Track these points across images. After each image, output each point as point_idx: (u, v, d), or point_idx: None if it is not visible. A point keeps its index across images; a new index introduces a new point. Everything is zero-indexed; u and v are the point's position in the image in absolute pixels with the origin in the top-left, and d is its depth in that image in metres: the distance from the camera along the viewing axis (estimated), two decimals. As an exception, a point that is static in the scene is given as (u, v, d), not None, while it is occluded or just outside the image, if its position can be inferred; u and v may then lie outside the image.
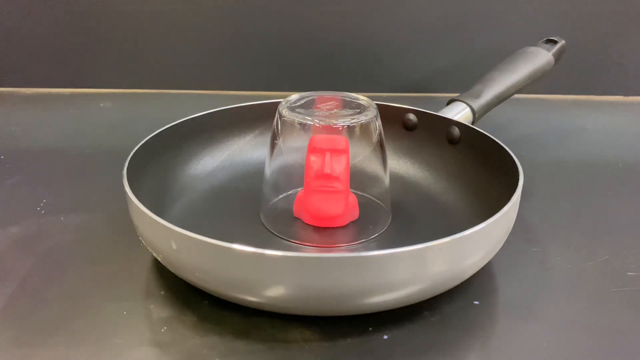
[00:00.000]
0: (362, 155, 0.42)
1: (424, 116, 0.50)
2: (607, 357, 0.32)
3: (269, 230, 0.42)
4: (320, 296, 0.31)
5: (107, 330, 0.34)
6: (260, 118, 0.51)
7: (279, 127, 0.41)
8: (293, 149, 0.42)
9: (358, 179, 0.43)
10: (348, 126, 0.40)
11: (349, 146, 0.41)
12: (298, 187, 0.43)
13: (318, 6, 0.67)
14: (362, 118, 0.40)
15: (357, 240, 0.41)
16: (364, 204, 0.44)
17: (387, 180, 0.43)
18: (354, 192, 0.43)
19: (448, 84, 0.70)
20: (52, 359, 0.32)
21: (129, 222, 0.37)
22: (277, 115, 0.42)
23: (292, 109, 0.42)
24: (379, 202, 0.44)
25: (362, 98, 0.43)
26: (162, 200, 0.43)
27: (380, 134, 0.42)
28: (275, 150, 0.42)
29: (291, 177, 0.44)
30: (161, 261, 0.36)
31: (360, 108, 0.42)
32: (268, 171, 0.43)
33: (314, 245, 0.40)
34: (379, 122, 0.42)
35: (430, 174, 0.49)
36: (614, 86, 0.70)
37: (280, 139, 0.42)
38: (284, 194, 0.45)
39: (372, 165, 0.43)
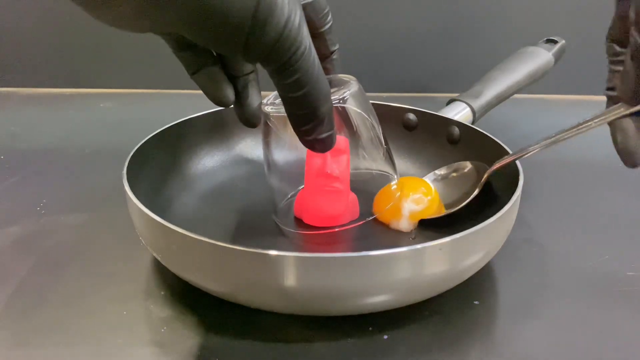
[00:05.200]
0: (358, 131, 0.41)
1: (424, 116, 0.50)
2: (607, 357, 0.32)
3: (269, 230, 0.42)
4: (320, 296, 0.31)
5: (107, 330, 0.34)
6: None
7: (269, 124, 0.41)
8: (285, 144, 0.41)
9: (360, 155, 0.42)
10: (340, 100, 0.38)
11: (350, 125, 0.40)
12: (300, 184, 0.43)
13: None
14: (347, 92, 0.39)
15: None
16: (369, 180, 0.43)
17: (382, 149, 0.42)
18: (362, 171, 0.42)
19: (448, 84, 0.70)
20: (52, 359, 0.32)
21: (129, 222, 0.37)
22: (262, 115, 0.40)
23: (273, 104, 0.40)
24: (384, 172, 0.43)
25: (340, 75, 0.42)
26: (162, 200, 0.43)
27: (369, 106, 0.41)
28: (271, 149, 0.42)
29: (291, 174, 0.43)
30: (161, 261, 0.36)
31: (342, 84, 0.40)
32: (267, 171, 0.43)
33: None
34: (364, 95, 0.41)
35: (431, 174, 0.49)
36: (614, 86, 0.70)
37: (271, 137, 0.41)
38: (291, 191, 0.44)
39: (368, 135, 0.41)
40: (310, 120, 0.29)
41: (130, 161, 0.40)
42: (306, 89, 0.28)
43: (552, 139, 0.38)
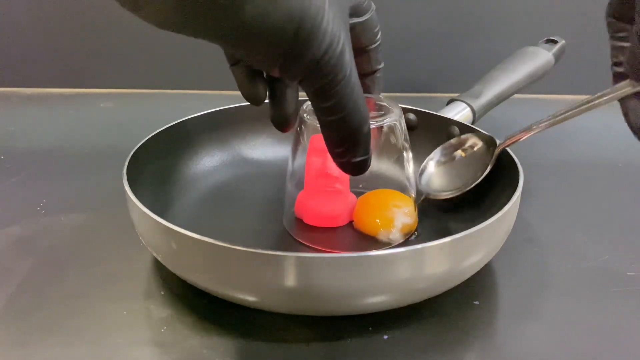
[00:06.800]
0: (387, 160, 0.41)
1: (424, 116, 0.50)
2: (607, 357, 0.32)
3: (269, 230, 0.42)
4: (320, 296, 0.31)
5: (107, 330, 0.34)
6: (260, 118, 0.51)
7: (303, 130, 0.40)
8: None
9: (384, 182, 0.42)
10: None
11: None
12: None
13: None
14: (387, 120, 0.39)
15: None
16: None
17: (409, 174, 0.42)
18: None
19: (448, 84, 0.70)
20: (52, 358, 0.32)
21: (129, 222, 0.37)
22: (298, 119, 0.40)
23: (312, 112, 0.40)
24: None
25: (385, 99, 0.41)
26: (162, 200, 0.43)
27: (405, 137, 0.41)
28: (297, 156, 0.41)
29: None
30: (161, 261, 0.36)
31: (383, 109, 0.40)
32: (289, 178, 0.42)
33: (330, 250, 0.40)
34: (403, 124, 0.40)
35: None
36: (614, 86, 0.70)
37: (301, 146, 0.41)
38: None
39: (398, 168, 0.42)
40: (345, 144, 0.28)
41: (130, 161, 0.40)
42: (342, 114, 0.27)
43: (562, 116, 0.38)
